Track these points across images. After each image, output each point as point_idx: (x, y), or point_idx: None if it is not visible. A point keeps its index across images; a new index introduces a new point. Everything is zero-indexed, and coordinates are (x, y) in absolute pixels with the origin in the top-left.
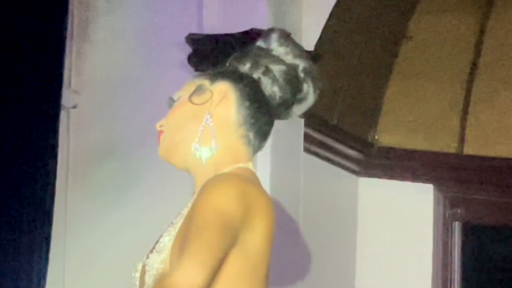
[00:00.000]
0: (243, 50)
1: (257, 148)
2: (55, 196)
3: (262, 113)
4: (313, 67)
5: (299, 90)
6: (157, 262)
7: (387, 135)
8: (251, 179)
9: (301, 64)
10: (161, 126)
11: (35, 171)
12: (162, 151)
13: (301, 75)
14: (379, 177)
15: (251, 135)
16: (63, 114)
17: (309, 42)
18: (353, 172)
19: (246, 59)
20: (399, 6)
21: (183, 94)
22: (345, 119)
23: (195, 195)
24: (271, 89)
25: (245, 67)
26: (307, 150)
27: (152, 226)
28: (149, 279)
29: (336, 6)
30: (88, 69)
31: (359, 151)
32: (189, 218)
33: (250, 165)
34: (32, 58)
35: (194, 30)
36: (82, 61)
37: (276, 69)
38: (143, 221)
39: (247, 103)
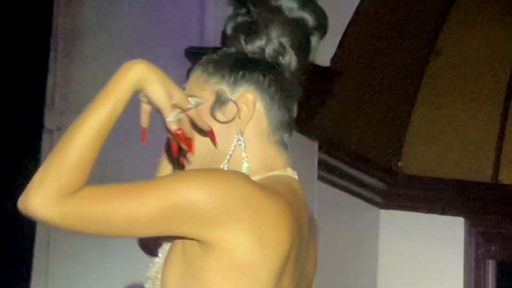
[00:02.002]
0: (242, 12)
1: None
2: (37, 228)
3: (290, 100)
4: (320, 13)
5: (310, 47)
6: (153, 271)
7: (413, 162)
8: (278, 189)
9: (309, 16)
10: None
11: (14, 200)
12: None
13: (310, 28)
14: (404, 209)
15: (286, 135)
16: (45, 137)
17: (325, 56)
18: (374, 203)
19: (256, 35)
20: (427, 17)
21: (200, 100)
22: (366, 143)
23: None
24: (289, 67)
25: (257, 46)
26: (321, 178)
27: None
28: None
29: (354, 16)
30: (75, 87)
31: (381, 180)
32: None
33: (289, 171)
34: (10, 73)
35: (195, 43)
36: (67, 78)
37: (289, 39)
38: (135, 251)
39: (276, 104)
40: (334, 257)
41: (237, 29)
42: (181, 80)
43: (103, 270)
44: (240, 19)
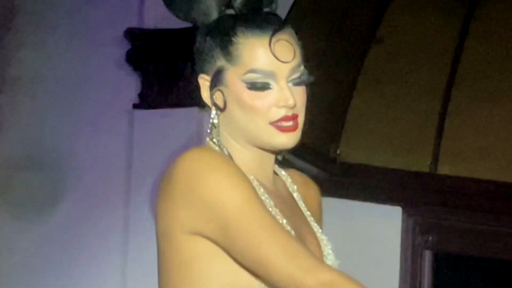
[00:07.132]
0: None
1: None
2: None
3: None
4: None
5: None
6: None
7: (351, 150)
8: None
9: None
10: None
11: None
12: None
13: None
14: (342, 197)
15: None
16: None
17: None
18: None
19: None
20: (369, 3)
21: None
22: (304, 130)
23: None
24: None
25: None
26: None
27: (82, 242)
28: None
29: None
30: (11, 64)
31: (319, 167)
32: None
33: None
34: None
35: (135, 24)
36: (3, 54)
37: None
38: (72, 236)
39: None
40: None
41: None
42: (120, 61)
43: None
44: None
